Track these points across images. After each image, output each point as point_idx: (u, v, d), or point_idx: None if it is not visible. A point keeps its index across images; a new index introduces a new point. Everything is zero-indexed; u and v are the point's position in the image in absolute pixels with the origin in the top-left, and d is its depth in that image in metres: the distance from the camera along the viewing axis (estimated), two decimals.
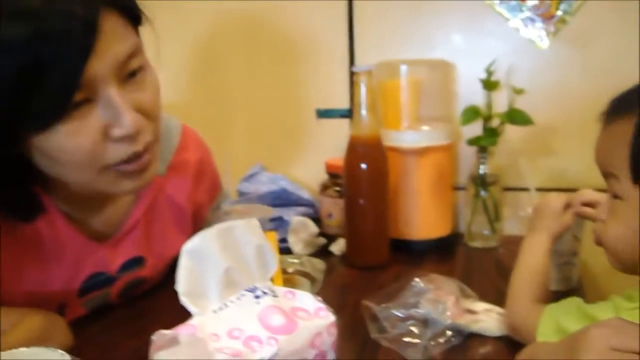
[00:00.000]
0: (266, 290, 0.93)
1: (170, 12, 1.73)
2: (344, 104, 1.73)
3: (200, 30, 1.77)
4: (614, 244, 0.95)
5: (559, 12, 1.56)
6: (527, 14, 1.58)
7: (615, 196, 0.94)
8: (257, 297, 0.92)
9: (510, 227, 1.64)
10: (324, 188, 1.60)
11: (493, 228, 1.58)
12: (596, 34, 1.58)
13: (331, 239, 1.57)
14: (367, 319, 1.14)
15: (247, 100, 1.78)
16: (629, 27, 1.54)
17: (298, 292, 0.97)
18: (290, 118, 1.78)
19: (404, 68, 1.53)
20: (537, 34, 1.59)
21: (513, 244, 1.43)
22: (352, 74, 1.65)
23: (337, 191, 1.57)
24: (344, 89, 1.73)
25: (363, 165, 1.42)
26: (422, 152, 1.51)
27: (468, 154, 1.63)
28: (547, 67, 1.61)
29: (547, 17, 1.57)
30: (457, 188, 1.68)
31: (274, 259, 0.97)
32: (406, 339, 1.08)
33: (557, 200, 1.18)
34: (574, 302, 1.00)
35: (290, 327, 0.90)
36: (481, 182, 1.57)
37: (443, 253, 1.55)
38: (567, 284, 1.28)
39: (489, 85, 1.50)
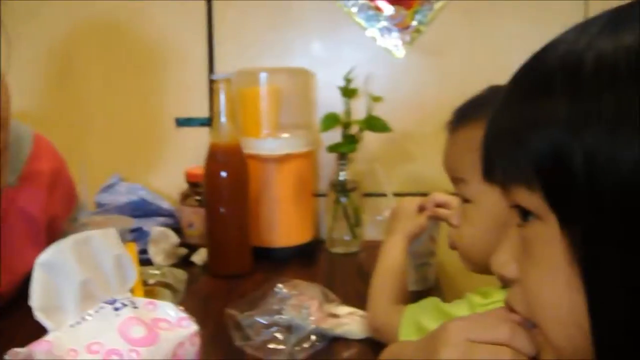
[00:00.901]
0: (126, 302, 0.90)
1: (23, 16, 1.65)
2: (203, 112, 1.71)
3: (56, 34, 1.70)
4: (468, 247, 0.99)
5: (414, 22, 1.62)
6: (384, 23, 1.63)
7: (466, 200, 0.98)
8: (116, 309, 0.89)
9: (370, 232, 1.67)
10: (184, 197, 1.57)
11: (354, 233, 1.61)
12: (450, 43, 1.64)
13: (192, 249, 1.54)
14: (231, 327, 1.13)
15: (104, 109, 1.73)
16: (480, 37, 1.62)
17: (159, 302, 0.94)
18: (149, 127, 1.73)
19: (263, 76, 1.53)
20: (394, 43, 1.64)
21: (373, 249, 1.45)
22: (211, 82, 1.64)
23: (198, 200, 1.55)
24: (204, 97, 1.71)
25: (223, 174, 1.41)
26: (282, 159, 1.52)
27: (328, 161, 1.65)
28: (404, 76, 1.66)
29: (403, 27, 1.62)
30: (317, 195, 1.70)
31: (133, 270, 0.94)
32: (271, 346, 1.08)
33: (411, 203, 1.22)
34: (432, 301, 1.03)
35: (152, 339, 0.87)
36: (341, 188, 1.59)
37: (305, 259, 1.56)
38: (425, 284, 1.32)
39: (348, 92, 1.53)
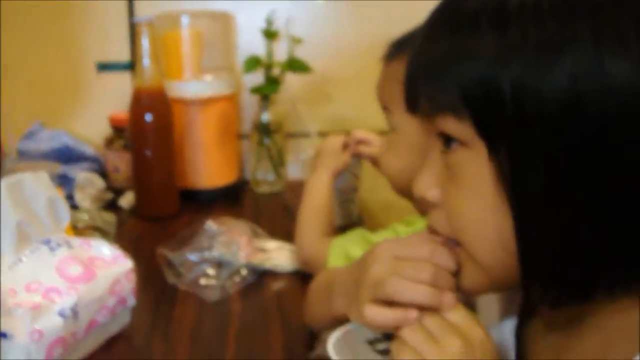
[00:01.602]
0: (61, 242, 0.93)
1: None
2: (124, 56, 1.71)
3: None
4: (393, 173, 1.05)
5: None
6: None
7: (392, 129, 1.03)
8: (52, 249, 0.92)
9: (293, 171, 1.71)
10: (109, 142, 1.58)
11: (277, 173, 1.65)
12: None
13: (119, 193, 1.56)
14: (162, 266, 1.16)
15: (23, 56, 1.69)
16: None
17: (94, 241, 0.97)
18: (70, 72, 1.71)
19: (185, 19, 1.54)
20: None
21: (297, 188, 1.51)
22: (133, 25, 1.63)
23: (123, 145, 1.56)
24: (124, 40, 1.70)
25: (148, 117, 1.42)
26: (205, 101, 1.54)
27: (250, 103, 1.67)
28: (324, 19, 1.69)
29: None
30: (241, 137, 1.72)
31: (66, 210, 0.96)
32: (203, 282, 1.12)
33: (335, 140, 1.27)
34: (359, 232, 1.09)
35: (89, 276, 0.91)
36: (264, 129, 1.62)
37: (231, 200, 1.59)
38: (349, 219, 1.38)
39: (269, 34, 1.55)
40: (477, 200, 0.58)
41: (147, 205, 1.47)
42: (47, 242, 0.92)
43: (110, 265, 0.94)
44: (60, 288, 0.87)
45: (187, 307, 1.07)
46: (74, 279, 0.89)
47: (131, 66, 1.68)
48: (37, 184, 0.93)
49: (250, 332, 1.00)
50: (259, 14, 1.57)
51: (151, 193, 1.47)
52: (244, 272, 1.14)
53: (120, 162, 1.56)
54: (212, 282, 1.11)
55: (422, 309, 0.61)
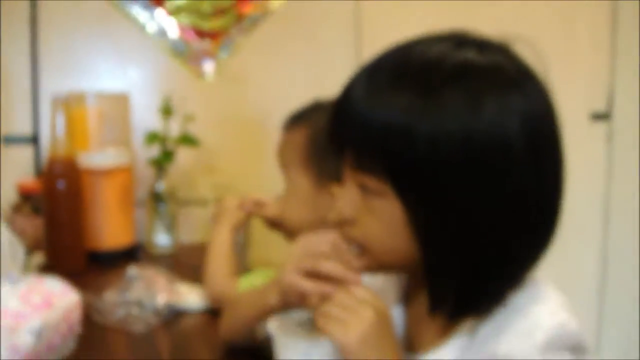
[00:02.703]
0: (20, 277, 1.09)
1: None
2: (26, 129, 1.86)
3: None
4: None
5: (221, 54, 1.89)
6: (194, 53, 1.88)
7: (290, 183, 1.27)
8: (13, 282, 1.07)
9: (184, 236, 1.91)
10: (17, 208, 1.71)
11: (171, 237, 1.84)
12: (249, 71, 1.94)
13: (26, 254, 1.68)
14: (88, 310, 1.31)
15: None
16: (273, 67, 1.94)
17: (45, 278, 1.13)
18: None
19: (91, 98, 1.73)
20: (203, 70, 1.89)
21: (188, 250, 1.72)
22: (35, 101, 1.80)
23: (31, 209, 1.70)
24: (27, 115, 1.86)
25: (60, 184, 1.58)
26: (108, 171, 1.72)
27: (144, 175, 1.87)
28: (214, 98, 1.93)
29: (211, 57, 1.88)
30: (135, 204, 1.90)
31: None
32: (128, 319, 1.28)
33: (232, 200, 1.50)
34: (260, 271, 1.31)
35: (48, 304, 1.07)
36: (159, 197, 1.82)
37: (130, 260, 1.75)
38: (243, 269, 1.59)
39: (166, 111, 1.77)
40: (387, 230, 0.80)
41: (58, 263, 1.61)
42: (8, 277, 1.08)
43: (62, 297, 1.11)
44: (26, 312, 1.03)
45: (118, 338, 1.24)
46: (36, 306, 1.05)
47: (34, 140, 1.84)
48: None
49: (179, 356, 1.19)
50: (154, 95, 1.79)
51: (62, 252, 1.61)
52: (164, 310, 1.32)
53: (28, 226, 1.70)
54: (137, 318, 1.28)
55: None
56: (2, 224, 1.10)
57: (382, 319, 0.81)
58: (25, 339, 0.99)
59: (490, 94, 0.76)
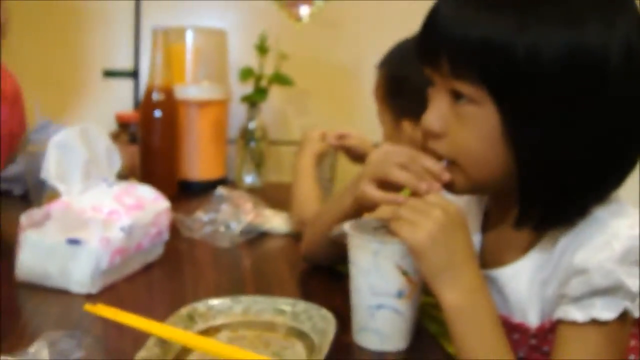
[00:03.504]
0: (114, 182, 1.15)
1: None
2: (128, 63, 1.94)
3: None
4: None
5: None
6: None
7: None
8: (109, 185, 1.14)
9: (272, 175, 1.95)
10: (115, 137, 1.79)
11: (258, 174, 1.89)
12: (343, 18, 1.97)
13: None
14: (179, 226, 1.37)
15: (37, 61, 1.91)
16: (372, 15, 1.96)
17: (137, 184, 1.19)
18: (78, 76, 1.94)
19: (189, 34, 1.79)
20: (300, 13, 1.92)
21: (276, 187, 1.76)
22: (137, 35, 1.88)
23: (128, 139, 1.77)
24: (129, 49, 1.94)
25: (157, 113, 1.65)
26: (203, 104, 1.78)
27: (237, 113, 1.91)
28: (308, 40, 1.96)
29: (306, 2, 1.91)
30: (227, 142, 1.96)
31: (118, 158, 1.19)
32: (215, 235, 1.34)
33: (315, 131, 1.54)
34: None
35: (140, 206, 1.13)
36: (250, 135, 1.87)
37: None
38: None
39: (261, 50, 1.80)
40: (480, 138, 0.82)
41: None
42: (105, 179, 1.14)
43: (153, 202, 1.17)
44: (119, 210, 1.08)
45: (204, 251, 1.29)
46: (129, 207, 1.11)
47: (134, 74, 1.92)
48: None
49: (260, 269, 1.23)
50: (250, 33, 1.83)
51: (155, 179, 1.68)
52: (248, 230, 1.36)
53: (125, 154, 1.77)
54: (223, 235, 1.33)
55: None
56: (103, 129, 1.16)
57: (453, 219, 0.83)
58: (116, 234, 1.05)
59: (594, 11, 0.78)
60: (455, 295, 0.81)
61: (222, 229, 1.35)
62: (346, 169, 1.59)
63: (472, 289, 0.82)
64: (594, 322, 0.78)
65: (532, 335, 0.87)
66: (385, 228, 0.89)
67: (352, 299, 0.90)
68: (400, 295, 0.87)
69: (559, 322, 0.82)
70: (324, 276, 1.16)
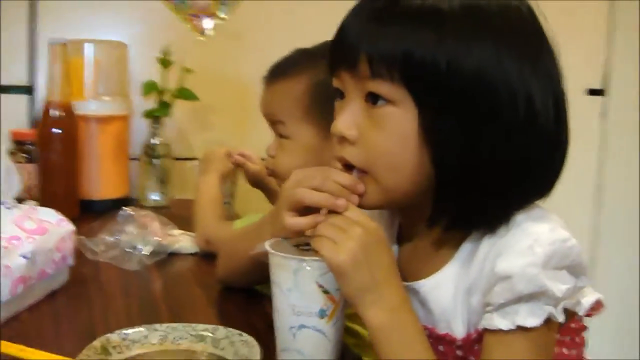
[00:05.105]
0: (14, 205, 1.09)
1: None
2: (22, 78, 1.86)
3: None
4: (285, 173, 1.28)
5: (219, 13, 1.88)
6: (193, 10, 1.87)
7: (282, 136, 1.26)
8: (8, 208, 1.07)
9: (176, 191, 1.90)
10: (11, 155, 1.70)
11: (163, 192, 1.83)
12: (247, 31, 1.94)
13: (19, 202, 1.67)
14: (82, 249, 1.30)
15: None
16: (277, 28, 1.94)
17: (39, 207, 1.13)
18: None
19: (88, 47, 1.72)
20: (203, 26, 1.88)
21: (181, 204, 1.72)
22: (32, 49, 1.80)
23: (25, 157, 1.69)
24: (23, 64, 1.85)
25: (56, 130, 1.58)
26: (104, 119, 1.71)
27: (139, 129, 1.86)
28: (212, 54, 1.92)
29: (210, 15, 1.87)
30: (131, 158, 1.89)
31: (18, 180, 1.12)
32: (122, 257, 1.28)
33: (219, 150, 1.50)
34: (252, 214, 1.31)
35: (42, 230, 1.07)
36: (153, 151, 1.81)
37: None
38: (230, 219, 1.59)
39: (164, 63, 1.76)
40: (397, 139, 0.80)
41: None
42: (3, 202, 1.07)
43: (56, 225, 1.11)
44: (20, 236, 1.02)
45: (111, 275, 1.23)
46: (30, 232, 1.04)
47: (29, 90, 1.83)
48: None
49: (173, 293, 1.19)
50: (154, 46, 1.78)
51: (55, 201, 1.60)
52: (156, 251, 1.31)
53: (22, 174, 1.69)
54: (131, 256, 1.28)
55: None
56: (2, 151, 1.09)
57: (374, 236, 0.81)
58: (18, 262, 0.99)
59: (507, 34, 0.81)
60: (379, 314, 0.80)
61: (129, 250, 1.30)
62: (247, 187, 1.56)
63: (395, 307, 0.81)
64: (519, 329, 0.78)
65: (458, 346, 0.87)
66: (307, 245, 0.87)
67: (275, 319, 0.87)
68: (322, 314, 0.84)
69: (485, 331, 0.82)
70: (241, 298, 1.13)
